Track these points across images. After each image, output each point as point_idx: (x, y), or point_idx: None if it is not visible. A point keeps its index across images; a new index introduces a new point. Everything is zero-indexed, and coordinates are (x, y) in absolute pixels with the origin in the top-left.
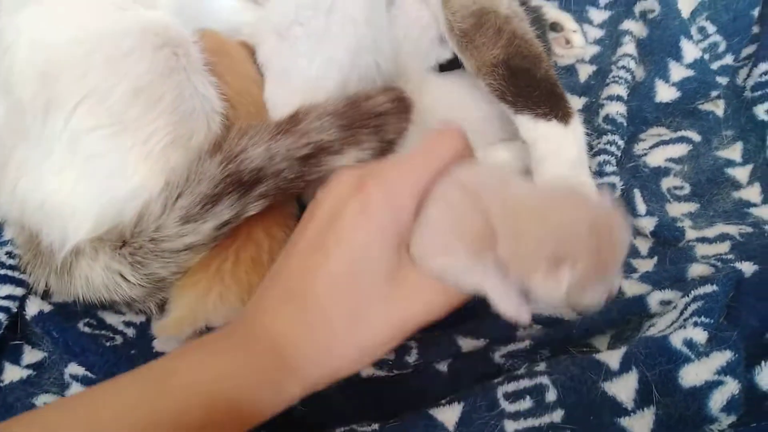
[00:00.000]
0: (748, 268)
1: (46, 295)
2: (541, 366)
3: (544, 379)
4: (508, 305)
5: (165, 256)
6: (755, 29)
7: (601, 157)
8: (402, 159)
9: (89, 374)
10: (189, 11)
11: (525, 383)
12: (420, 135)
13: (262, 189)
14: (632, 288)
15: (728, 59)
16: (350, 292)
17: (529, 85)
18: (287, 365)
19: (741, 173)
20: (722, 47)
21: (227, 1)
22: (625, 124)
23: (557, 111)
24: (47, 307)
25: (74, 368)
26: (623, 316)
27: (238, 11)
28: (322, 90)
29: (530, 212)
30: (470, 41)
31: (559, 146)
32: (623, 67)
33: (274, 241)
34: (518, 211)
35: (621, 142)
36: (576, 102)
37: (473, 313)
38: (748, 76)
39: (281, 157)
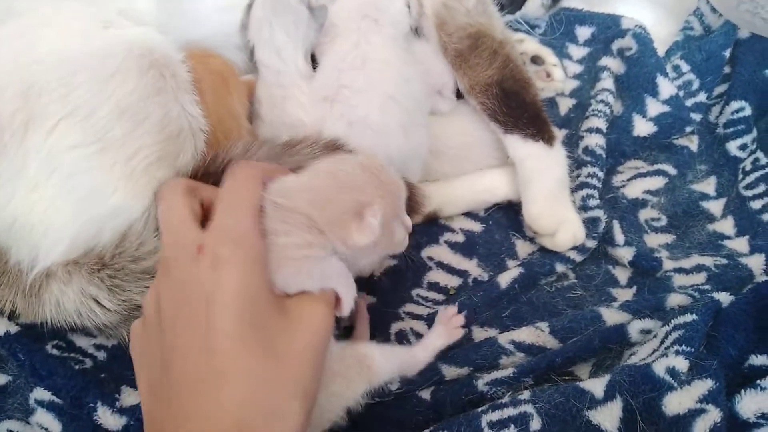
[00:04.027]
0: (725, 298)
1: (12, 316)
2: (525, 394)
3: (529, 408)
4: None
5: (144, 279)
6: (726, 69)
7: (584, 191)
8: (223, 206)
9: (56, 399)
10: (177, 22)
11: (509, 411)
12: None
13: None
14: (613, 317)
15: (702, 97)
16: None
17: (519, 107)
18: None
19: (715, 206)
20: (696, 85)
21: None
22: (604, 156)
23: (543, 134)
24: (14, 328)
25: (40, 393)
26: (605, 345)
27: (225, 9)
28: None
29: (317, 187)
30: (465, 61)
31: (547, 165)
32: (602, 101)
33: None
34: (312, 191)
35: (601, 174)
36: (557, 134)
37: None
38: (721, 113)
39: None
